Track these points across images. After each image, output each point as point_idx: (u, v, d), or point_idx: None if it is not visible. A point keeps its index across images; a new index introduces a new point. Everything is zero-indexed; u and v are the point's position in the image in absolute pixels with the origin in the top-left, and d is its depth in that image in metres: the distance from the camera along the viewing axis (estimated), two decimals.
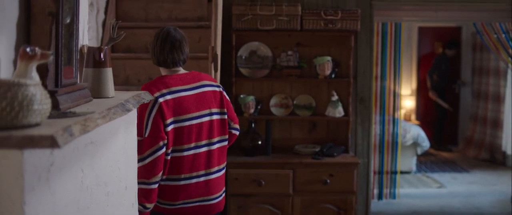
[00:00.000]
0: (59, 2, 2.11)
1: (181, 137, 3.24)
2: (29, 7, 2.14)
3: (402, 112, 10.66)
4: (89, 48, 2.60)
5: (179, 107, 3.25)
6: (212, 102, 3.36)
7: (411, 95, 11.44)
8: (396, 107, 7.34)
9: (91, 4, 4.79)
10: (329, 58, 5.50)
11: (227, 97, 3.48)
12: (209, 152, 3.36)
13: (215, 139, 3.39)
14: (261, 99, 5.67)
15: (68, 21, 2.26)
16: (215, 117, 3.37)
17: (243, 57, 5.59)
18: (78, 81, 2.45)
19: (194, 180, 3.33)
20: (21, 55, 1.77)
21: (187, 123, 3.25)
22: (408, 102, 11.25)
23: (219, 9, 4.69)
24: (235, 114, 3.58)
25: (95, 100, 2.41)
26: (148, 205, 3.23)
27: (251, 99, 5.50)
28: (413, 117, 11.33)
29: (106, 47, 2.61)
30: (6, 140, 1.46)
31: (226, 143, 3.47)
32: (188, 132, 3.25)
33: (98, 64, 2.57)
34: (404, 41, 10.38)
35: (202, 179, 3.35)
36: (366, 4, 5.71)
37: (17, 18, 2.09)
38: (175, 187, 3.30)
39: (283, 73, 5.57)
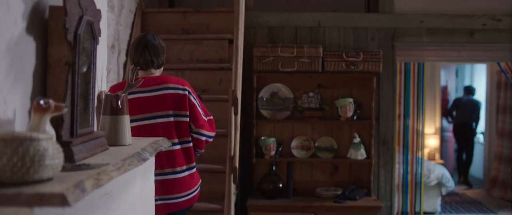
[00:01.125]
0: (76, 52, 2.10)
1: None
2: (45, 57, 2.13)
3: (426, 151, 10.51)
4: (107, 96, 2.59)
5: (132, 108, 3.28)
6: (171, 105, 3.37)
7: (435, 134, 11.29)
8: (419, 146, 7.24)
9: (112, 47, 4.81)
10: (351, 100, 5.45)
11: (193, 100, 3.44)
12: (168, 152, 3.36)
13: (174, 141, 3.38)
14: (282, 141, 5.62)
15: (84, 70, 2.25)
16: (171, 119, 3.38)
17: (264, 98, 5.56)
18: (95, 129, 2.43)
19: (156, 178, 3.30)
20: (34, 108, 1.75)
21: (136, 123, 3.31)
22: (432, 141, 11.09)
23: (240, 51, 4.69)
24: (201, 119, 3.48)
25: (111, 148, 2.38)
26: None
27: (272, 141, 5.45)
28: (437, 156, 11.17)
29: (123, 94, 2.60)
30: (15, 197, 1.43)
31: (187, 145, 3.45)
32: (138, 133, 3.28)
33: (115, 111, 2.55)
34: (427, 79, 10.30)
35: (161, 177, 3.35)
36: (388, 45, 5.67)
37: (34, 68, 2.07)
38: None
39: (305, 115, 5.53)
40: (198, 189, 3.56)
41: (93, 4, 2.33)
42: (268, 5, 7.02)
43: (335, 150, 5.60)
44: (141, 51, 3.43)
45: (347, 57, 5.35)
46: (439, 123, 11.40)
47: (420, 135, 7.27)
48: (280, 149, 5.53)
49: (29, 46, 2.04)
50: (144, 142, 2.64)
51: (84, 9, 2.20)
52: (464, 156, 10.96)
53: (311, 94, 5.53)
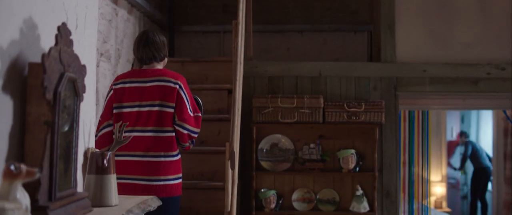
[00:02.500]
0: (56, 111, 2.00)
1: (120, 120, 3.47)
2: (24, 116, 2.02)
3: (432, 199, 10.32)
4: (92, 154, 2.47)
5: (124, 95, 3.60)
6: (158, 95, 3.58)
7: (441, 181, 11.10)
8: (425, 194, 7.08)
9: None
10: (353, 151, 5.34)
11: (183, 95, 3.60)
12: (151, 138, 3.57)
13: (150, 127, 3.58)
14: (282, 193, 5.49)
15: (66, 129, 2.14)
16: (156, 108, 3.58)
17: (264, 150, 5.45)
18: (79, 189, 2.31)
19: (128, 158, 3.57)
20: (4, 173, 1.63)
21: (126, 109, 3.60)
22: (438, 189, 10.89)
23: (238, 103, 4.59)
24: (187, 113, 3.62)
25: (95, 210, 2.26)
26: None
27: (272, 194, 5.33)
28: (444, 204, 10.96)
29: (109, 152, 2.48)
30: None
31: (171, 134, 3.61)
32: (127, 117, 3.57)
33: (100, 170, 2.44)
34: (432, 126, 10.18)
35: (140, 158, 3.57)
36: (391, 95, 5.58)
37: (11, 127, 1.97)
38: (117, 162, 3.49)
39: (306, 166, 5.41)
40: (177, 181, 3.65)
41: (77, 59, 2.24)
42: (269, 54, 6.98)
43: (337, 203, 5.46)
44: (142, 48, 3.67)
45: (348, 107, 5.26)
46: (445, 170, 11.24)
47: (425, 182, 7.12)
48: (280, 201, 5.41)
49: (6, 105, 1.94)
50: (131, 202, 2.52)
51: (66, 66, 2.10)
52: (478, 205, 10.71)
53: (312, 145, 5.42)
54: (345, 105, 5.27)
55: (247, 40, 5.66)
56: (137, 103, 3.60)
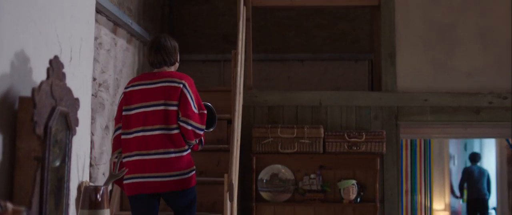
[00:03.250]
0: (46, 146, 1.96)
1: (129, 122, 3.65)
2: (14, 150, 1.98)
3: None
4: (85, 188, 2.43)
5: (133, 98, 3.69)
6: (163, 95, 3.67)
7: (444, 210, 10.98)
8: None
9: (106, 127, 4.69)
10: (354, 181, 5.28)
11: (186, 93, 3.68)
12: (160, 135, 3.62)
13: (158, 126, 3.64)
14: None
15: (57, 164, 2.10)
16: (161, 107, 3.65)
17: (264, 180, 5.39)
18: None
19: (140, 157, 3.58)
20: None
21: (134, 111, 3.66)
22: None
23: (237, 133, 4.54)
24: (191, 109, 3.68)
25: None
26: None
27: None
28: None
29: (103, 186, 2.43)
30: None
31: (175, 131, 3.65)
32: (136, 118, 3.65)
33: (94, 205, 2.39)
34: (435, 154, 10.10)
35: (153, 156, 3.60)
36: (392, 124, 5.53)
37: (0, 162, 1.92)
38: (127, 164, 3.57)
39: (306, 197, 5.35)
40: (190, 174, 3.70)
41: (70, 93, 2.20)
42: (269, 83, 6.96)
43: None
44: (154, 53, 3.76)
45: (349, 138, 5.21)
46: (448, 198, 11.11)
47: (428, 211, 7.03)
48: None
49: None
50: None
51: (58, 99, 2.07)
52: None
53: (312, 176, 5.36)
54: (345, 135, 5.22)
55: (247, 69, 5.64)
56: (143, 104, 3.69)
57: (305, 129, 5.21)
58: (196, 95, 3.76)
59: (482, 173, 10.39)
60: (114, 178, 2.70)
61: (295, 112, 5.56)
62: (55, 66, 2.07)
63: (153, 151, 3.63)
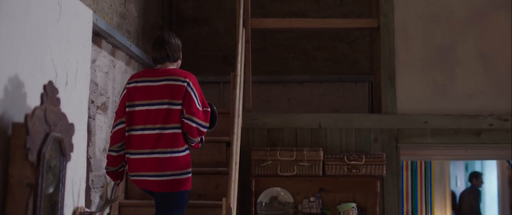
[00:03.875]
0: (39, 173, 1.93)
1: (132, 119, 3.74)
2: (6, 177, 1.95)
3: None
4: (80, 214, 2.39)
5: (136, 94, 3.76)
6: (167, 94, 3.72)
7: None
8: None
9: (104, 150, 4.66)
10: (354, 204, 5.23)
11: (190, 91, 3.73)
12: (157, 135, 3.69)
13: (158, 125, 3.70)
14: None
15: (51, 190, 2.07)
16: (165, 106, 3.71)
17: (264, 203, 5.34)
18: None
19: (138, 156, 3.70)
20: None
21: (137, 108, 3.73)
22: None
23: (235, 156, 4.50)
24: (195, 107, 3.73)
25: None
26: (107, 167, 3.81)
27: None
28: None
29: (98, 213, 2.40)
30: None
31: (176, 130, 3.71)
32: (138, 115, 3.72)
33: None
34: (436, 175, 10.03)
35: (148, 156, 3.69)
36: (392, 146, 5.49)
37: None
38: (129, 160, 3.75)
39: None
40: (185, 176, 3.74)
41: (64, 118, 2.17)
42: (269, 105, 6.94)
43: None
44: (158, 48, 3.83)
45: (349, 160, 5.18)
46: None
47: None
48: None
49: None
50: None
51: (52, 125, 2.04)
52: None
53: (312, 199, 5.32)
54: (345, 158, 5.19)
55: (246, 91, 5.61)
56: (147, 101, 3.75)
57: (305, 152, 5.18)
58: (200, 93, 3.83)
59: (475, 193, 10.37)
60: (110, 203, 2.67)
61: (294, 134, 5.53)
62: (49, 92, 2.04)
63: (150, 150, 3.71)
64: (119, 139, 3.78)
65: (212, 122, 3.98)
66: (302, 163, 5.16)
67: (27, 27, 2.19)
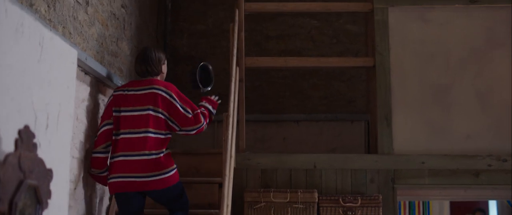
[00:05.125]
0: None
1: (117, 123, 4.15)
2: None
3: None
4: None
5: (123, 101, 4.19)
6: (150, 101, 4.16)
7: None
8: None
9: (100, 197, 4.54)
10: None
11: (175, 102, 4.17)
12: (137, 138, 4.09)
13: (143, 129, 4.10)
14: None
15: None
16: (147, 112, 4.15)
17: None
18: None
19: (124, 158, 4.08)
20: None
21: (123, 113, 4.16)
22: None
23: (227, 199, 4.39)
24: (184, 118, 4.18)
25: None
26: (92, 170, 4.18)
27: None
28: None
29: None
30: None
31: (158, 135, 4.13)
32: (124, 120, 4.13)
33: None
34: (435, 214, 9.89)
35: (130, 158, 4.07)
36: (389, 187, 5.38)
37: None
38: (112, 163, 4.11)
39: None
40: (172, 173, 4.13)
41: (41, 164, 2.07)
42: (264, 144, 6.84)
43: None
44: (140, 63, 4.32)
45: (344, 202, 5.06)
46: None
47: None
48: None
49: None
50: None
51: (27, 172, 1.94)
52: None
53: None
54: (340, 200, 5.07)
55: (240, 131, 5.52)
56: (132, 108, 4.16)
57: (299, 193, 5.06)
58: (185, 100, 4.24)
59: None
60: None
61: (289, 175, 5.41)
62: (24, 137, 1.95)
63: (136, 152, 4.07)
64: (105, 139, 4.15)
65: (209, 81, 4.89)
66: (296, 205, 5.04)
67: (7, 68, 2.11)
